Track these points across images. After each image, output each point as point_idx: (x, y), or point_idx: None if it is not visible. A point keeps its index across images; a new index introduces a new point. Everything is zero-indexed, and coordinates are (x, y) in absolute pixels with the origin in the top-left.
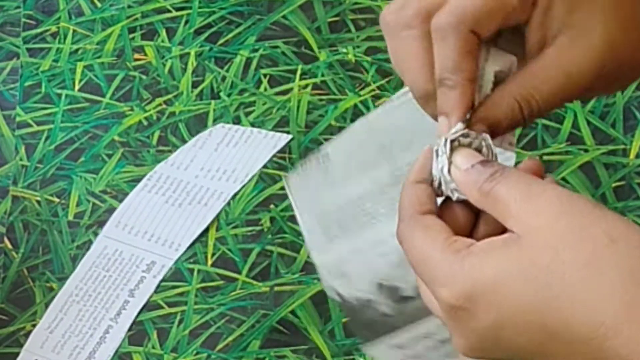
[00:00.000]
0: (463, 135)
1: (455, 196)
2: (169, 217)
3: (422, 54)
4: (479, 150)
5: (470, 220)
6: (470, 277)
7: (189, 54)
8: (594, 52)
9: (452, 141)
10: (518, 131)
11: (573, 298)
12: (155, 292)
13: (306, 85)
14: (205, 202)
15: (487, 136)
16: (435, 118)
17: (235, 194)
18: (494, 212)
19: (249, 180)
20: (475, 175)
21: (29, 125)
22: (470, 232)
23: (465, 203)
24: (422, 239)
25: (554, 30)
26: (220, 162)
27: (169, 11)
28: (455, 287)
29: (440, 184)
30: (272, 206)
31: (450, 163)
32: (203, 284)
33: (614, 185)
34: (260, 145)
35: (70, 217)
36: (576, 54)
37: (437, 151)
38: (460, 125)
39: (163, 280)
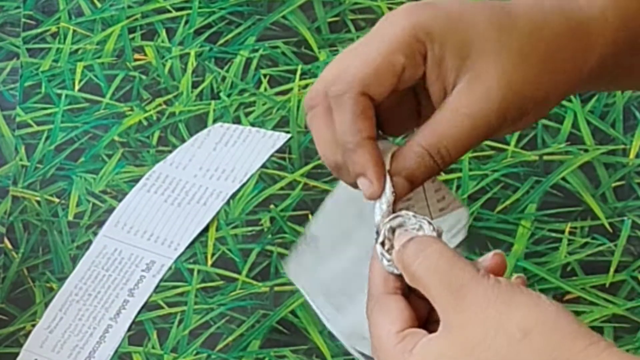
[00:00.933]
0: (398, 224)
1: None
2: (168, 217)
3: (325, 129)
4: (416, 229)
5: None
6: None
7: (189, 54)
8: (493, 93)
9: (390, 229)
10: (514, 136)
11: None
12: (155, 291)
13: (306, 85)
14: (205, 202)
15: (408, 213)
16: (354, 186)
17: (235, 194)
18: (418, 288)
19: (249, 180)
20: (400, 254)
21: (29, 126)
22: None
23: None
24: (380, 327)
25: (451, 80)
26: (219, 161)
27: (169, 11)
28: None
29: None
30: (272, 206)
31: (383, 237)
32: (203, 284)
33: (614, 185)
34: (259, 144)
35: (70, 217)
36: (476, 97)
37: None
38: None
39: (163, 280)
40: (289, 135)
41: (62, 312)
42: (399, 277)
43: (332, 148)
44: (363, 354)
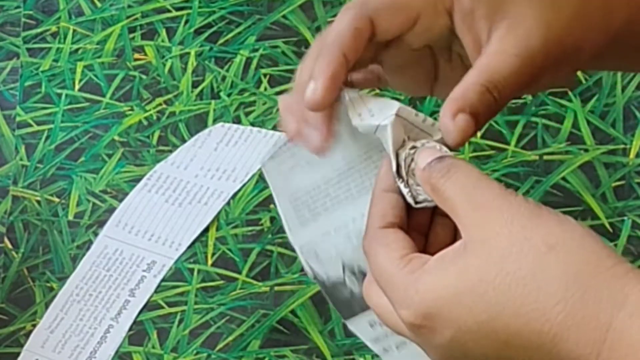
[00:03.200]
0: (411, 148)
1: (414, 199)
2: (169, 217)
3: (347, 28)
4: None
5: (444, 231)
6: (426, 298)
7: (189, 53)
8: (534, 35)
9: (400, 146)
10: (518, 130)
11: (519, 310)
12: (156, 291)
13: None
14: (206, 202)
15: (427, 139)
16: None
17: (235, 194)
18: (444, 208)
19: (249, 180)
20: (428, 172)
21: (29, 125)
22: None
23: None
24: (381, 256)
25: (485, 28)
26: (220, 161)
27: (169, 11)
28: (413, 309)
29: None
30: (272, 206)
31: (397, 166)
32: (203, 284)
33: (614, 184)
34: (260, 144)
35: (70, 217)
36: (519, 39)
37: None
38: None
39: (163, 280)
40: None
41: (63, 312)
42: (400, 211)
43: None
44: (314, 272)
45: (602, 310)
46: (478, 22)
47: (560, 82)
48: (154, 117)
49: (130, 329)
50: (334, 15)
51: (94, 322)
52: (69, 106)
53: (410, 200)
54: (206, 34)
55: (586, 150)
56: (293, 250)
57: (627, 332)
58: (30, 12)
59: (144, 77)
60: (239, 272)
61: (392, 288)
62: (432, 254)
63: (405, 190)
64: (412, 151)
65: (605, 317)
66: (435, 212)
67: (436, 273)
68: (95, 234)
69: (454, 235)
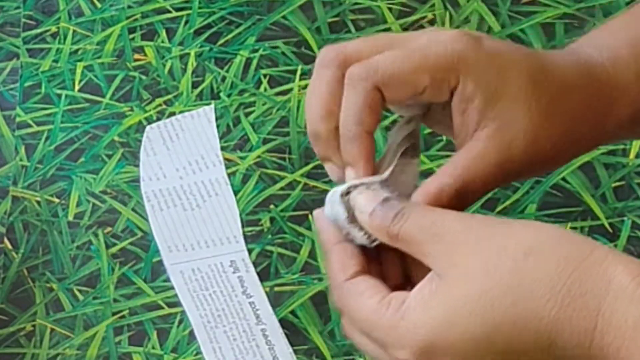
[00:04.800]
0: (354, 186)
1: (369, 239)
2: (202, 220)
3: (325, 96)
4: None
5: (398, 259)
6: (418, 333)
7: (189, 54)
8: (519, 145)
9: (345, 193)
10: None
11: (511, 317)
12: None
13: (306, 86)
14: (216, 193)
15: (365, 179)
16: (324, 159)
17: (235, 194)
18: (409, 251)
19: (233, 166)
20: (380, 220)
21: (29, 126)
22: (403, 270)
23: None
24: (359, 308)
25: (476, 119)
26: (184, 157)
27: (169, 11)
28: (408, 347)
29: (347, 233)
30: (272, 206)
31: (348, 211)
32: None
33: (614, 185)
34: (198, 126)
35: (70, 218)
36: (501, 146)
37: (330, 202)
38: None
39: (165, 280)
40: (213, 106)
41: (215, 343)
42: (357, 257)
43: (320, 116)
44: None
45: (590, 299)
46: (471, 111)
47: (537, 176)
48: (154, 118)
49: (262, 323)
50: (334, 16)
51: (249, 335)
52: (69, 107)
53: (365, 242)
54: (206, 35)
55: None
56: (293, 250)
57: (615, 315)
58: (30, 13)
59: (143, 77)
60: None
61: (380, 332)
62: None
63: (360, 234)
64: (346, 197)
65: (594, 304)
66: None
67: (421, 307)
68: (95, 235)
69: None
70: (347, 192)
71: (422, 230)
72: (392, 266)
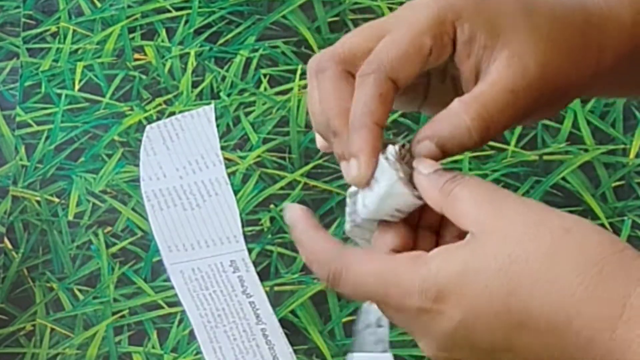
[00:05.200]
0: (404, 148)
1: (395, 216)
2: (202, 220)
3: (332, 92)
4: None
5: (410, 238)
6: (432, 279)
7: (189, 53)
8: (531, 72)
9: (400, 149)
10: (518, 130)
11: (534, 287)
12: (156, 292)
13: (306, 85)
14: (216, 192)
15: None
16: (340, 157)
17: (235, 193)
18: (451, 212)
19: (230, 166)
20: (437, 178)
21: (29, 125)
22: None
23: (404, 222)
24: (365, 262)
25: (484, 57)
26: (184, 156)
27: (169, 11)
28: (418, 290)
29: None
30: (272, 206)
31: (404, 173)
32: None
33: (613, 185)
34: (198, 125)
35: (70, 217)
36: (517, 75)
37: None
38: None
39: (165, 280)
40: (213, 106)
41: (215, 343)
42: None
43: (339, 113)
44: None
45: (619, 285)
46: (478, 50)
47: (546, 117)
48: (154, 118)
49: (262, 323)
50: (334, 15)
51: (249, 334)
52: (69, 106)
53: (412, 202)
54: (206, 34)
55: (586, 150)
56: (293, 250)
57: None
58: (30, 12)
59: (143, 77)
60: None
61: (395, 278)
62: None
63: (408, 192)
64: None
65: (623, 291)
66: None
67: (446, 255)
68: (95, 235)
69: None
70: (403, 157)
71: (477, 194)
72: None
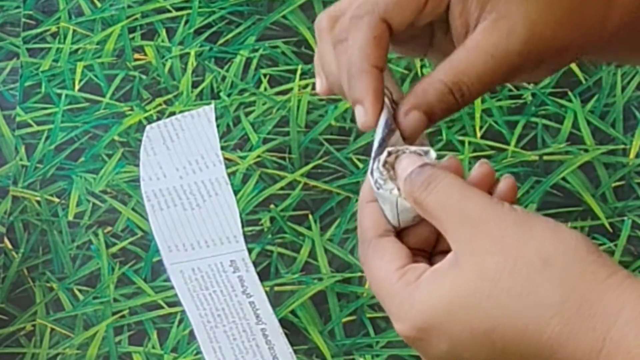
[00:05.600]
0: (387, 156)
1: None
2: (202, 220)
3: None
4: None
5: (430, 232)
6: (420, 312)
7: (189, 53)
8: (516, 34)
9: (383, 165)
10: (518, 131)
11: (515, 323)
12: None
13: (306, 85)
14: (216, 193)
15: (405, 146)
16: (354, 102)
17: (236, 193)
18: (431, 222)
19: (233, 165)
20: (409, 186)
21: (29, 125)
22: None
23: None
24: (378, 267)
25: (474, 16)
26: (185, 156)
27: (169, 11)
28: (407, 323)
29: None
30: (272, 206)
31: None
32: None
33: (614, 185)
34: (198, 125)
35: (70, 217)
36: (500, 37)
37: (377, 184)
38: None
39: (165, 280)
40: (213, 106)
41: (215, 343)
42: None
43: (361, 56)
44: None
45: (598, 322)
46: (469, 7)
47: (539, 79)
48: (154, 118)
49: (262, 323)
50: None
51: (248, 334)
52: (69, 106)
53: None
54: (206, 34)
55: (586, 151)
56: (293, 250)
57: (624, 340)
58: (30, 12)
59: (144, 77)
60: None
61: (388, 300)
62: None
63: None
64: (390, 158)
65: (601, 328)
66: None
67: (430, 287)
68: (95, 235)
69: None
70: (397, 154)
71: (446, 207)
72: (426, 233)
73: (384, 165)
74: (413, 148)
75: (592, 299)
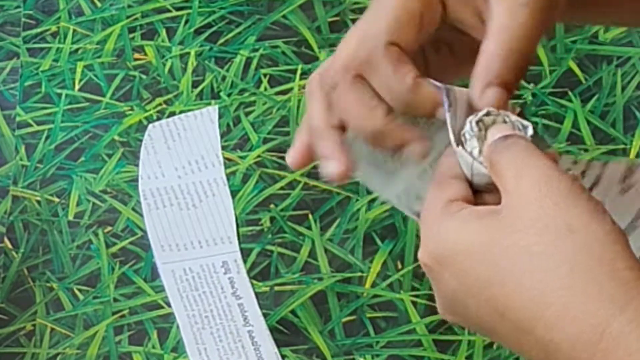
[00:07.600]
0: (486, 114)
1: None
2: (197, 220)
3: (356, 100)
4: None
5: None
6: (442, 242)
7: (189, 53)
8: None
9: (477, 122)
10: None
11: (521, 282)
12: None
13: (306, 85)
14: (213, 193)
15: (507, 112)
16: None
17: (235, 193)
18: (496, 181)
19: (230, 167)
20: (492, 148)
21: (29, 125)
22: None
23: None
24: (434, 195)
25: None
26: (185, 156)
27: (169, 11)
28: (427, 248)
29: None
30: (272, 206)
31: (483, 143)
32: None
33: None
34: (200, 126)
35: (70, 217)
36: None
37: (463, 137)
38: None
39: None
40: (217, 107)
41: (201, 344)
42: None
43: (370, 115)
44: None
45: (602, 307)
46: None
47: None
48: (154, 117)
49: (249, 325)
50: (334, 15)
51: (235, 336)
52: (69, 106)
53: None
54: (206, 34)
55: (586, 150)
56: (293, 250)
57: (624, 338)
58: (30, 12)
59: (144, 77)
60: None
61: (424, 224)
62: None
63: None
64: (488, 118)
65: (604, 315)
66: None
67: (461, 223)
68: (95, 234)
69: None
70: (495, 118)
71: (513, 163)
72: (494, 201)
73: (477, 123)
74: (514, 118)
75: (602, 280)
